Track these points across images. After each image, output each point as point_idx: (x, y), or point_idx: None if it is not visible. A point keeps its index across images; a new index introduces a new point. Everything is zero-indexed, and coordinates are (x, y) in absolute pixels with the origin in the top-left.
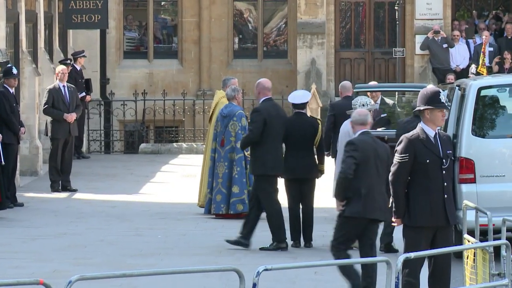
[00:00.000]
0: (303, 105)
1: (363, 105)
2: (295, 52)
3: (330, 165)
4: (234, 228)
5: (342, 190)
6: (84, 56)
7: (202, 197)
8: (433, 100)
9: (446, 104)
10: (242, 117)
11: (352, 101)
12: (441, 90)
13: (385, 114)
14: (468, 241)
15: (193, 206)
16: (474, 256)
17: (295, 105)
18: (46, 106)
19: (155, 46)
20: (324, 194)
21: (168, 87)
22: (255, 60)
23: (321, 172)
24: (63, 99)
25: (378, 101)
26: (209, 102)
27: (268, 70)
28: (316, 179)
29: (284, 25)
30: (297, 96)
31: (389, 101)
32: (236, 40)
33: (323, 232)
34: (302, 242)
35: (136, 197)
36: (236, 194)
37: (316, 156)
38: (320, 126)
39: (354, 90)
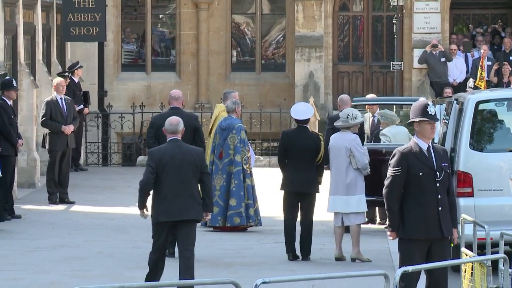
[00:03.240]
0: (306, 121)
1: (355, 118)
2: (293, 65)
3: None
4: (232, 240)
5: (142, 198)
6: (80, 67)
7: None
8: (420, 112)
9: (437, 117)
10: (241, 130)
11: (340, 113)
12: (430, 103)
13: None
14: (466, 255)
15: None
16: (472, 270)
17: (297, 120)
18: (44, 118)
19: (153, 58)
20: (321, 207)
21: (166, 100)
22: (253, 73)
23: (319, 183)
24: (60, 111)
25: (376, 115)
26: (207, 115)
27: (266, 83)
28: (317, 193)
29: (282, 38)
30: (300, 112)
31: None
32: (234, 53)
33: (321, 245)
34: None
35: (134, 209)
36: (233, 207)
37: (316, 170)
38: (322, 142)
39: (352, 104)
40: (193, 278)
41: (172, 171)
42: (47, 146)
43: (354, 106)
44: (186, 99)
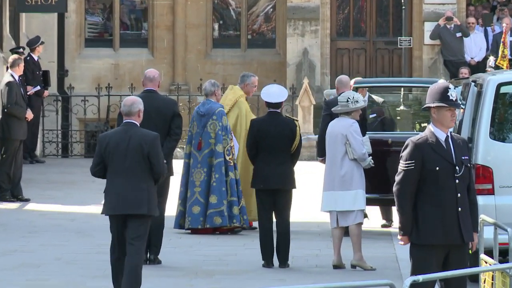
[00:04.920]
0: (278, 104)
1: (357, 101)
2: (284, 41)
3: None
4: (213, 245)
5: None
6: (42, 43)
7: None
8: (439, 96)
9: (458, 103)
10: (223, 116)
11: (339, 97)
12: (451, 86)
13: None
14: (486, 262)
15: (166, 220)
16: (492, 280)
17: (269, 104)
18: (10, 104)
19: (122, 32)
20: (315, 206)
21: (137, 81)
22: (238, 50)
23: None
24: (22, 95)
25: (366, 98)
26: (184, 98)
27: (253, 62)
28: (293, 189)
29: (271, 10)
30: (272, 94)
31: (378, 98)
32: (216, 26)
33: (317, 250)
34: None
35: (99, 208)
36: (213, 205)
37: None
38: (298, 128)
39: (353, 86)
40: (138, 284)
41: (118, 159)
42: (11, 135)
43: (355, 89)
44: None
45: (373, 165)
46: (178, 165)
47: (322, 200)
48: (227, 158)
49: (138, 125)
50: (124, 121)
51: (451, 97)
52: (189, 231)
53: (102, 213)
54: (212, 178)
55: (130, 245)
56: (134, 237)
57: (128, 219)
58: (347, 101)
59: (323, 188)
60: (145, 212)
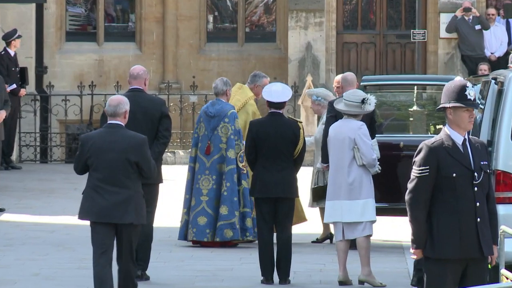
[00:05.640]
0: (281, 104)
1: (370, 104)
2: (285, 34)
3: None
4: (207, 259)
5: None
6: (19, 36)
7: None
8: (456, 96)
9: (477, 102)
10: (236, 118)
11: (348, 95)
12: (469, 84)
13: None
14: (506, 278)
15: (161, 231)
16: None
17: (271, 104)
18: None
19: (107, 25)
20: (319, 216)
21: (123, 78)
22: (234, 44)
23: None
24: None
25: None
26: (175, 97)
27: (251, 57)
28: (296, 198)
29: (272, 0)
30: (275, 93)
31: None
32: (211, 18)
33: (321, 265)
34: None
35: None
36: (224, 217)
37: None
38: (302, 131)
39: (361, 84)
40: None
41: (102, 162)
42: None
43: (363, 87)
44: (149, 78)
45: (380, 171)
46: (168, 172)
47: (326, 210)
48: (240, 165)
49: (124, 126)
50: (108, 122)
51: (469, 96)
52: (191, 242)
53: (79, 218)
54: (223, 187)
55: (122, 255)
56: (127, 252)
57: (117, 228)
58: (363, 102)
59: (327, 197)
60: (132, 221)
